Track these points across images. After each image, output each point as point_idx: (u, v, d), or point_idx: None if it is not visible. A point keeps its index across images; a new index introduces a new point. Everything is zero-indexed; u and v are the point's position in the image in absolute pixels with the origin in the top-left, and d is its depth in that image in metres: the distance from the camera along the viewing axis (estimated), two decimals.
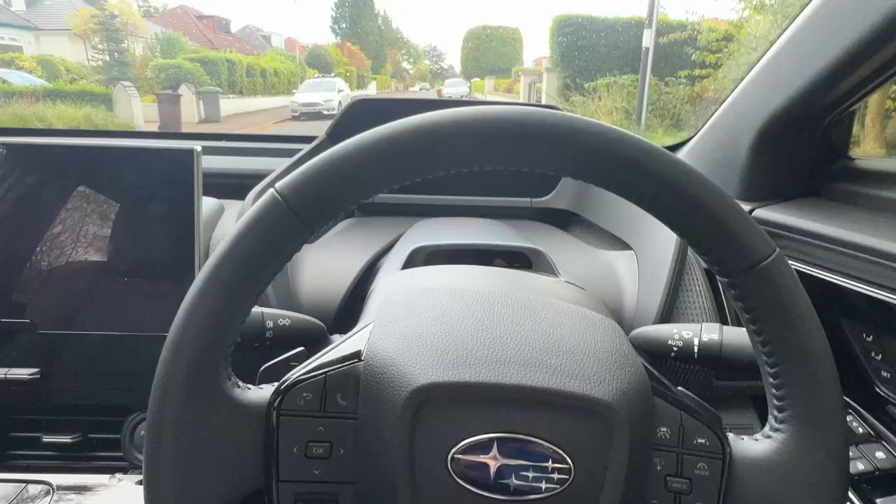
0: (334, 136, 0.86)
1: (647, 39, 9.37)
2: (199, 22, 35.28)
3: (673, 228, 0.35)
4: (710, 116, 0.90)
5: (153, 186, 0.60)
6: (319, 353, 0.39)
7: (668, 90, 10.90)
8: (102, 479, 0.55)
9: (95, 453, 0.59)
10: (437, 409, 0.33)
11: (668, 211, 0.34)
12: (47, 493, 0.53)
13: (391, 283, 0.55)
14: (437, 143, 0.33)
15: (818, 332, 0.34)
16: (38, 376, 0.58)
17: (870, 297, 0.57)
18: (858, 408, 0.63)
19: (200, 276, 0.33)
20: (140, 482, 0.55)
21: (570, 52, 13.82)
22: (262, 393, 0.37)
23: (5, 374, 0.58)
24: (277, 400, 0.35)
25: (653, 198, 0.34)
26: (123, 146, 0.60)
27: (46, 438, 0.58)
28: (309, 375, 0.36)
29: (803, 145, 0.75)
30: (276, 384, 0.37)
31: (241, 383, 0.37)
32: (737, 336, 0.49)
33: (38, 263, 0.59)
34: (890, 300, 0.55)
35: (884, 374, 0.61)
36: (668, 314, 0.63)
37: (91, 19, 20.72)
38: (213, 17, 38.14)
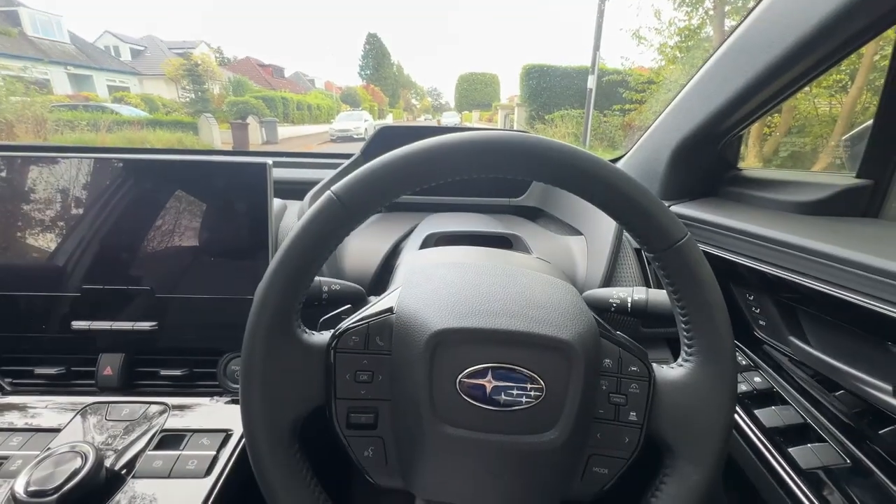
0: (367, 154, 0.85)
1: (591, 82, 9.22)
2: (261, 69, 34.40)
3: (613, 217, 0.35)
4: (638, 139, 0.89)
5: (237, 190, 0.60)
6: (363, 309, 0.40)
7: (606, 120, 10.79)
8: (204, 400, 0.56)
9: (198, 382, 0.59)
10: (448, 347, 0.34)
11: (611, 205, 0.34)
12: (164, 410, 0.53)
13: (412, 258, 0.54)
14: (445, 158, 0.33)
15: (717, 293, 0.34)
16: (156, 327, 0.58)
17: (750, 267, 0.58)
18: (743, 347, 0.64)
19: (279, 254, 0.33)
20: (230, 402, 0.56)
21: (535, 92, 13.60)
22: (322, 337, 0.37)
23: (132, 326, 0.58)
24: (334, 342, 0.36)
25: (599, 196, 0.34)
26: (216, 161, 0.60)
27: (163, 372, 0.59)
28: (356, 324, 0.37)
29: (705, 160, 0.75)
30: (332, 331, 0.37)
31: (307, 330, 0.37)
32: (659, 296, 0.50)
33: (154, 247, 0.59)
34: (764, 270, 0.55)
35: (760, 322, 0.62)
36: (608, 280, 0.63)
37: (180, 67, 20.16)
38: (272, 65, 37.19)
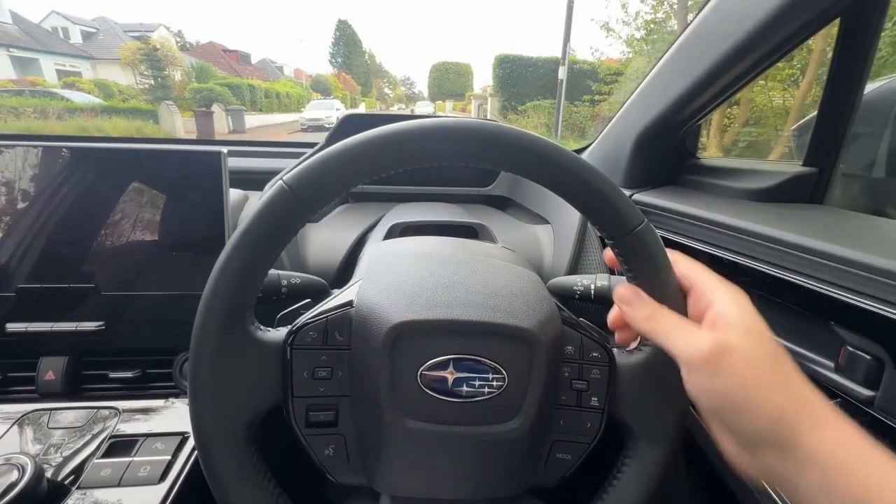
0: (331, 142, 0.82)
1: (562, 73, 9.29)
2: (226, 55, 32.81)
3: (575, 206, 0.34)
4: (603, 129, 0.90)
5: (191, 180, 0.56)
6: (321, 303, 0.38)
7: (577, 110, 10.95)
8: (158, 402, 0.52)
9: (152, 384, 0.56)
10: (408, 340, 0.33)
11: (570, 193, 0.33)
12: (115, 415, 0.50)
13: (375, 250, 0.53)
14: (402, 146, 0.31)
15: (672, 278, 0.35)
16: (103, 327, 0.54)
17: (707, 253, 0.59)
18: None
19: (228, 246, 0.31)
20: (187, 403, 0.53)
21: (507, 83, 13.62)
22: (278, 334, 0.35)
23: (76, 327, 0.54)
24: (291, 338, 0.34)
25: (559, 183, 0.33)
26: (167, 149, 0.56)
27: (112, 374, 0.55)
28: (314, 319, 0.35)
29: (665, 149, 0.77)
30: (289, 327, 0.35)
31: (262, 327, 0.35)
32: (621, 282, 0.50)
33: (101, 241, 0.55)
34: (719, 255, 0.57)
35: None
36: (574, 268, 0.63)
37: (137, 51, 18.91)
38: (237, 51, 35.53)
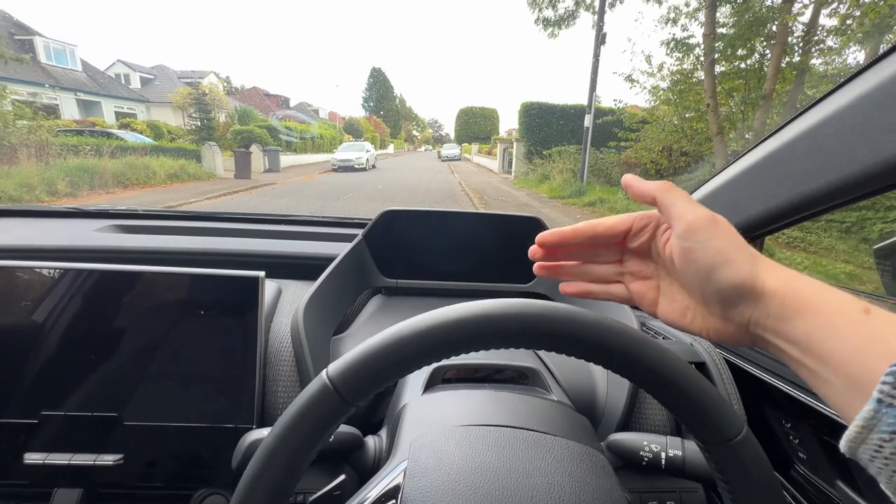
0: (369, 237, 0.81)
1: (587, 121, 9.44)
2: (267, 99, 35.42)
3: (664, 405, 0.30)
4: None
5: (225, 305, 0.54)
6: (363, 489, 0.34)
7: (602, 156, 10.99)
8: None
9: None
10: None
11: (658, 391, 0.29)
12: None
13: (417, 412, 0.47)
14: (460, 334, 0.28)
15: (777, 498, 0.29)
16: (122, 462, 0.51)
17: (786, 391, 0.53)
18: (785, 482, 0.57)
19: (265, 450, 0.28)
20: None
21: (533, 128, 13.94)
22: None
23: (94, 461, 0.51)
24: None
25: (645, 381, 0.28)
26: (199, 273, 0.54)
27: None
28: None
29: None
30: None
31: None
32: (696, 456, 0.44)
33: (124, 367, 0.52)
34: (802, 398, 0.50)
35: (800, 454, 0.55)
36: (629, 413, 0.56)
37: (188, 96, 20.66)
38: (278, 95, 38.36)
